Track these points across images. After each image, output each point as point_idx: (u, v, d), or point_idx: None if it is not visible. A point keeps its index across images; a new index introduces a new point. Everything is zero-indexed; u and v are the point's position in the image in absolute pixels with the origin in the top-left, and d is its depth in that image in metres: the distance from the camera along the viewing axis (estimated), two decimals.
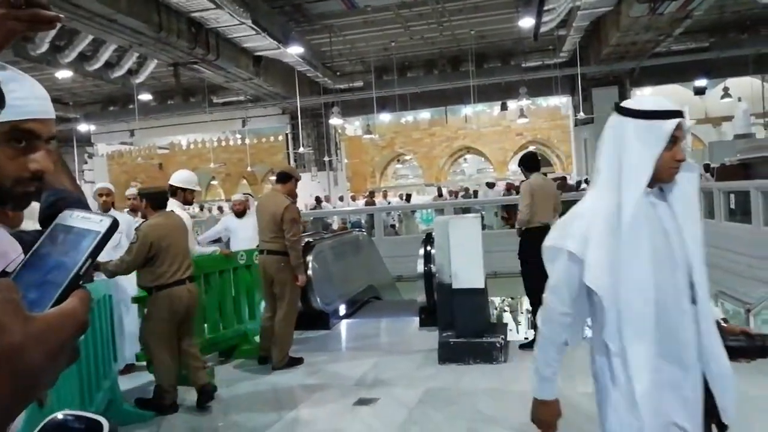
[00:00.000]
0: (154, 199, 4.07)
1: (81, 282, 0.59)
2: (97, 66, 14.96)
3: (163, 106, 22.19)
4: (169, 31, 12.31)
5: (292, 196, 5.00)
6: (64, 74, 15.73)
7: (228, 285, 5.13)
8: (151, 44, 12.84)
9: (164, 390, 3.90)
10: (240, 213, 6.63)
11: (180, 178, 5.02)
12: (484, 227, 13.21)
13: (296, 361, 4.92)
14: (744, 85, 24.12)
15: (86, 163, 25.78)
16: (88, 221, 0.62)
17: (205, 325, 4.87)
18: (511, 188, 15.16)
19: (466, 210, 13.44)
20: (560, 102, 27.87)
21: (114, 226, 0.62)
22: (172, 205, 4.99)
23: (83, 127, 23.15)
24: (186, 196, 4.97)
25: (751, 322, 6.27)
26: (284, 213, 4.72)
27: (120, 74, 15.95)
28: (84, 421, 0.62)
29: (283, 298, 4.77)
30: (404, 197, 17.90)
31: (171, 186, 4.96)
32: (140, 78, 16.41)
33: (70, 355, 0.58)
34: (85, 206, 0.64)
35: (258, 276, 5.48)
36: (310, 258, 6.05)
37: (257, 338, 5.40)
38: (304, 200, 20.33)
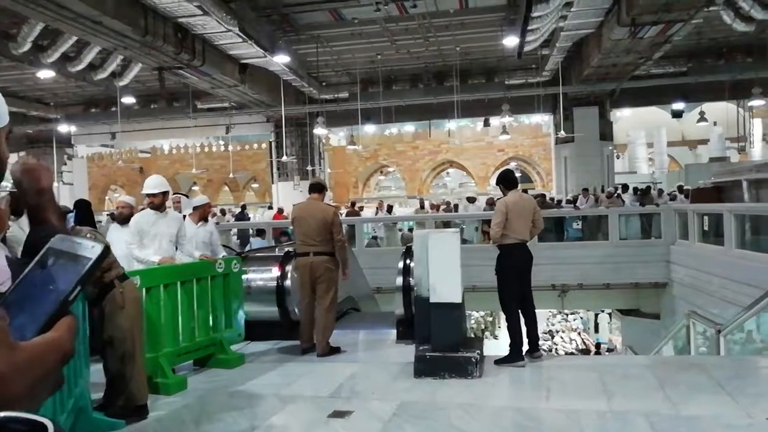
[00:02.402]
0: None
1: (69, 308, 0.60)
2: (80, 67, 14.83)
3: (146, 109, 22.02)
4: (155, 35, 12.26)
5: None
6: (46, 74, 15.56)
7: (204, 293, 5.10)
8: (137, 48, 12.78)
9: (139, 390, 3.85)
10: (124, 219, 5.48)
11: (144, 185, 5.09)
12: (464, 241, 13.33)
13: (336, 350, 5.47)
14: (720, 109, 24.71)
15: (65, 164, 25.41)
16: (81, 247, 0.63)
17: (180, 333, 4.83)
18: (491, 203, 15.29)
19: (446, 224, 13.52)
20: (542, 120, 28.28)
21: (105, 252, 0.63)
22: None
23: (63, 128, 22.85)
24: (147, 200, 5.00)
25: (722, 343, 6.39)
26: (334, 217, 5.46)
27: (103, 76, 15.82)
28: (27, 423, 0.60)
29: (328, 292, 5.38)
30: (386, 209, 17.94)
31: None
32: (124, 81, 16.29)
33: (53, 383, 0.58)
34: None
35: (236, 284, 5.47)
36: (289, 268, 6.04)
37: (233, 347, 5.38)
38: (286, 209, 20.29)
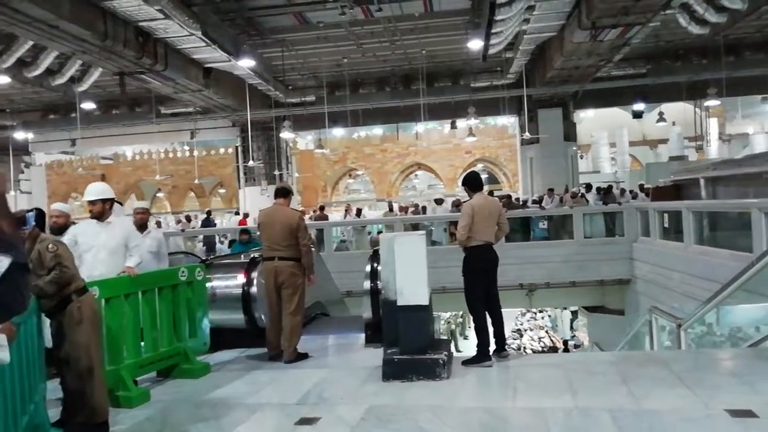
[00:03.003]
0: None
1: None
2: (37, 72, 14.40)
3: (107, 115, 21.53)
4: (115, 39, 12.00)
5: None
6: (1, 80, 15.05)
7: (167, 302, 4.99)
8: (96, 52, 12.48)
9: (100, 406, 3.72)
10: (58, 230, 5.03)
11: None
12: (433, 243, 13.41)
13: (304, 356, 5.41)
14: (678, 110, 25.45)
15: (23, 172, 24.65)
16: None
17: (142, 343, 4.71)
18: (457, 205, 15.42)
19: (415, 226, 13.58)
20: (508, 122, 28.68)
21: (13, 267, 0.60)
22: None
23: (20, 135, 22.17)
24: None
25: (683, 337, 6.55)
26: (299, 222, 5.42)
27: (62, 82, 15.40)
28: None
29: (294, 297, 5.35)
30: (355, 212, 17.91)
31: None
32: (83, 86, 15.90)
33: None
34: (15, 249, 0.62)
35: (201, 292, 5.37)
36: (255, 274, 5.97)
37: (198, 357, 5.28)
38: (253, 214, 20.07)
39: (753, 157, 11.96)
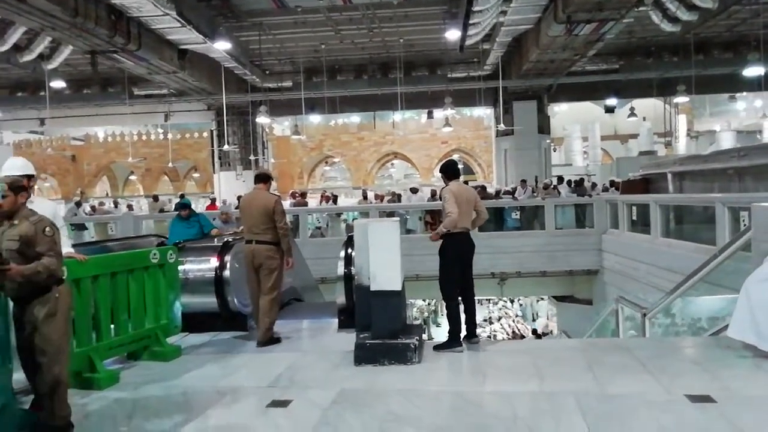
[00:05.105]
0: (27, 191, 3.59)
1: None
2: (3, 48, 13.95)
3: (78, 95, 20.99)
4: (86, 16, 11.69)
5: None
6: None
7: (138, 284, 4.95)
8: (66, 29, 12.14)
9: (61, 411, 3.41)
10: None
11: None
12: (407, 231, 13.43)
13: (277, 340, 5.47)
14: (648, 105, 25.93)
15: None
16: None
17: (112, 325, 4.67)
18: (434, 194, 15.52)
19: (390, 214, 13.63)
20: (484, 113, 28.83)
21: None
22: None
23: None
24: None
25: (647, 325, 6.75)
26: (275, 206, 5.47)
27: (30, 59, 14.94)
28: None
29: (270, 277, 5.42)
30: (330, 199, 17.87)
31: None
32: (53, 64, 15.45)
33: None
34: None
35: (172, 275, 5.33)
36: (228, 258, 5.95)
37: (170, 340, 5.26)
38: (229, 199, 19.85)
39: (718, 154, 12.27)
